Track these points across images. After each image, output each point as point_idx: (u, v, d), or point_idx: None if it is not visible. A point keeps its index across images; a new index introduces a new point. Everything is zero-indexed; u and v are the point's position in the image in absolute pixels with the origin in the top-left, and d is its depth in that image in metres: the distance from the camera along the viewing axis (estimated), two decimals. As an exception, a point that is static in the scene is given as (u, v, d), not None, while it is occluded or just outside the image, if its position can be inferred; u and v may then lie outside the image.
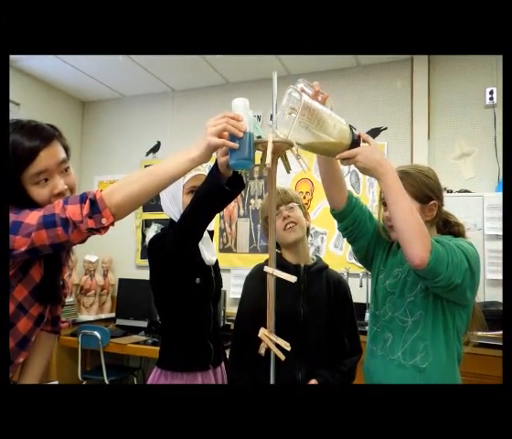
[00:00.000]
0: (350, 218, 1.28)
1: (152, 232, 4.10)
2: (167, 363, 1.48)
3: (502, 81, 1.06)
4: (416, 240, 1.06)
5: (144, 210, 4.05)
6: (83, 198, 0.98)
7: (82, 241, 1.01)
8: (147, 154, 4.11)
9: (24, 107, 3.62)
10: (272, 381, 1.27)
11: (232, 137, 0.99)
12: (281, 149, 1.00)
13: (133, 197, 1.00)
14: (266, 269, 1.06)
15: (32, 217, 0.98)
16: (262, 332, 1.06)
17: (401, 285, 1.24)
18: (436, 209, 1.26)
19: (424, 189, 1.24)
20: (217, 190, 1.15)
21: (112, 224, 1.00)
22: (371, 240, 1.31)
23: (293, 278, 1.01)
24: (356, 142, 1.10)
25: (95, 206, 0.97)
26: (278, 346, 1.04)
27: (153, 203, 4.00)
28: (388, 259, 1.30)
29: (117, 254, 4.08)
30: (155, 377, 1.48)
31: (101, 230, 0.98)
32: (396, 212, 1.10)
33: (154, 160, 4.01)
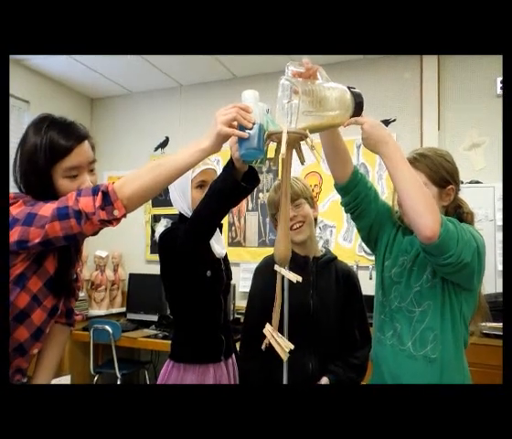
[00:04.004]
0: (353, 193, 1.24)
1: (161, 227, 4.10)
2: (179, 356, 1.50)
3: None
4: (426, 212, 1.03)
5: (154, 206, 4.07)
6: (95, 191, 1.00)
7: (95, 233, 1.02)
8: (156, 149, 4.12)
9: (33, 105, 3.65)
10: (284, 373, 1.28)
11: (242, 128, 0.99)
12: (295, 140, 0.99)
13: (145, 189, 1.01)
14: (276, 268, 1.06)
15: (46, 209, 1.00)
16: (267, 329, 1.07)
17: (407, 275, 1.22)
18: (453, 194, 1.24)
19: (442, 173, 1.22)
20: (232, 185, 1.15)
21: (124, 216, 1.01)
22: (375, 220, 1.28)
23: (297, 278, 1.00)
24: (359, 103, 1.08)
25: (107, 198, 0.99)
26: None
27: (162, 198, 4.02)
28: (394, 246, 1.27)
29: (127, 249, 4.11)
30: (168, 369, 1.50)
31: (113, 221, 1.00)
32: (403, 186, 1.08)
33: (163, 156, 4.02)
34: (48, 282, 1.11)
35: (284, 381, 1.29)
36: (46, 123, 1.10)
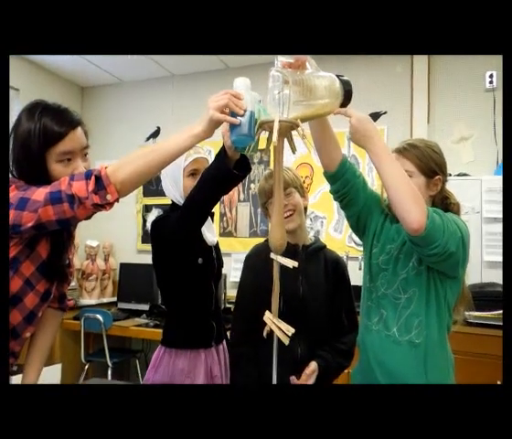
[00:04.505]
0: (342, 181, 1.27)
1: (153, 217, 4.12)
2: (171, 341, 1.52)
3: (502, 72, 1.05)
4: (413, 206, 1.07)
5: (145, 195, 4.07)
6: (88, 175, 1.01)
7: (88, 218, 1.04)
8: (147, 139, 4.11)
9: (23, 93, 3.62)
10: (274, 359, 1.31)
11: (234, 115, 1.01)
12: (286, 129, 1.01)
13: (138, 173, 1.03)
14: (272, 255, 1.08)
15: (39, 193, 1.01)
16: (267, 316, 1.09)
17: (394, 262, 1.25)
18: (440, 185, 1.28)
19: (430, 163, 1.25)
20: (224, 173, 1.17)
21: (117, 200, 1.03)
22: (363, 208, 1.31)
23: (294, 263, 1.02)
24: (348, 91, 1.11)
25: (100, 182, 1.00)
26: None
27: (153, 188, 4.02)
28: (381, 234, 1.30)
29: (118, 239, 4.11)
30: (159, 355, 1.52)
31: (106, 205, 1.01)
32: (390, 181, 1.11)
33: (155, 145, 4.01)
34: (41, 266, 1.12)
35: (274, 366, 1.32)
36: (39, 109, 1.11)
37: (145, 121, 4.11)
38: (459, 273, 1.20)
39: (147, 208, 4.08)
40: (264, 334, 1.10)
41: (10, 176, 1.13)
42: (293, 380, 1.38)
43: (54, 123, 1.09)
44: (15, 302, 1.09)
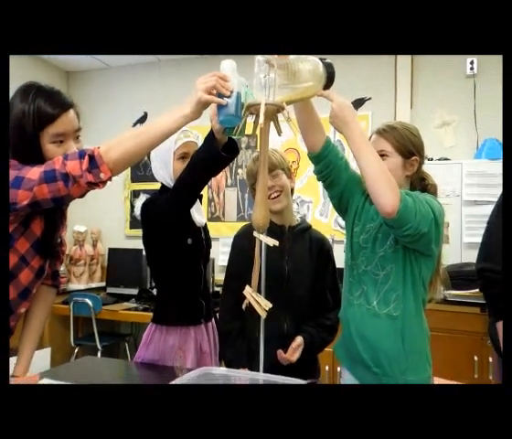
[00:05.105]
0: (325, 162, 1.32)
1: (140, 203, 4.14)
2: (162, 318, 1.57)
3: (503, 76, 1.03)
4: (387, 191, 1.14)
5: (133, 181, 4.08)
6: (82, 155, 1.05)
7: (82, 196, 1.08)
8: (134, 124, 4.10)
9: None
10: (261, 333, 1.38)
11: (221, 96, 1.05)
12: (272, 112, 1.05)
13: (130, 153, 1.07)
14: (255, 233, 1.14)
15: (33, 172, 1.05)
16: (247, 290, 1.14)
17: (373, 241, 1.32)
18: (417, 165, 1.34)
19: (408, 144, 1.32)
20: (213, 155, 1.23)
21: (110, 179, 1.07)
22: (345, 188, 1.37)
23: (274, 242, 1.08)
24: (330, 73, 1.16)
25: (93, 161, 1.04)
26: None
27: (141, 174, 4.03)
28: (362, 213, 1.37)
29: (106, 225, 4.12)
30: (151, 331, 1.57)
31: (99, 183, 1.05)
32: (366, 168, 1.18)
33: (142, 131, 4.01)
34: (36, 243, 1.16)
35: (261, 341, 1.38)
36: (33, 91, 1.14)
37: (133, 106, 4.10)
38: (433, 251, 1.27)
39: (135, 194, 4.09)
40: (243, 307, 1.15)
41: None
42: (280, 353, 1.45)
43: (47, 104, 1.13)
44: (10, 278, 1.13)
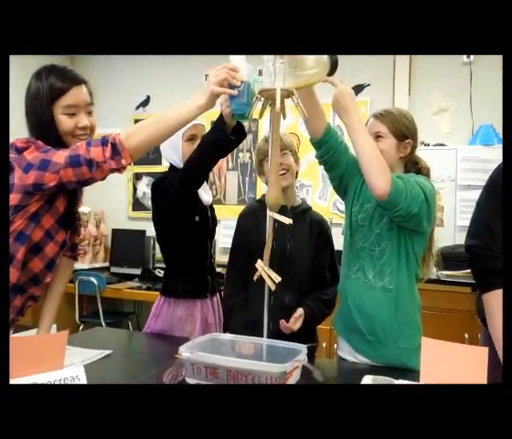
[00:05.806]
0: (326, 146, 1.42)
1: (143, 185, 4.22)
2: (170, 292, 1.68)
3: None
4: (379, 175, 1.25)
5: (135, 164, 4.15)
6: (105, 142, 1.14)
7: (103, 178, 1.17)
8: (137, 108, 4.17)
9: (12, 62, 3.61)
10: (265, 306, 1.47)
11: (232, 87, 1.14)
12: (282, 97, 1.12)
13: (148, 140, 1.17)
14: (268, 212, 1.22)
15: (59, 156, 1.13)
16: (259, 263, 1.24)
17: (370, 219, 1.42)
18: (410, 148, 1.43)
19: (402, 128, 1.41)
20: (222, 138, 1.33)
21: (130, 164, 1.16)
22: (345, 171, 1.47)
23: (289, 221, 1.17)
24: (334, 61, 1.23)
25: (115, 148, 1.13)
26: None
27: (143, 157, 4.11)
28: (360, 194, 1.47)
29: (109, 207, 4.20)
30: (160, 304, 1.68)
31: (121, 169, 1.14)
32: (362, 154, 1.28)
33: (145, 114, 4.08)
34: (59, 219, 1.25)
35: (265, 313, 1.48)
36: (46, 71, 1.23)
37: (135, 89, 4.16)
38: (425, 229, 1.37)
39: (137, 177, 4.17)
40: (254, 278, 1.24)
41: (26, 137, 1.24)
42: (283, 322, 1.54)
43: (59, 80, 1.22)
44: (37, 251, 1.22)
